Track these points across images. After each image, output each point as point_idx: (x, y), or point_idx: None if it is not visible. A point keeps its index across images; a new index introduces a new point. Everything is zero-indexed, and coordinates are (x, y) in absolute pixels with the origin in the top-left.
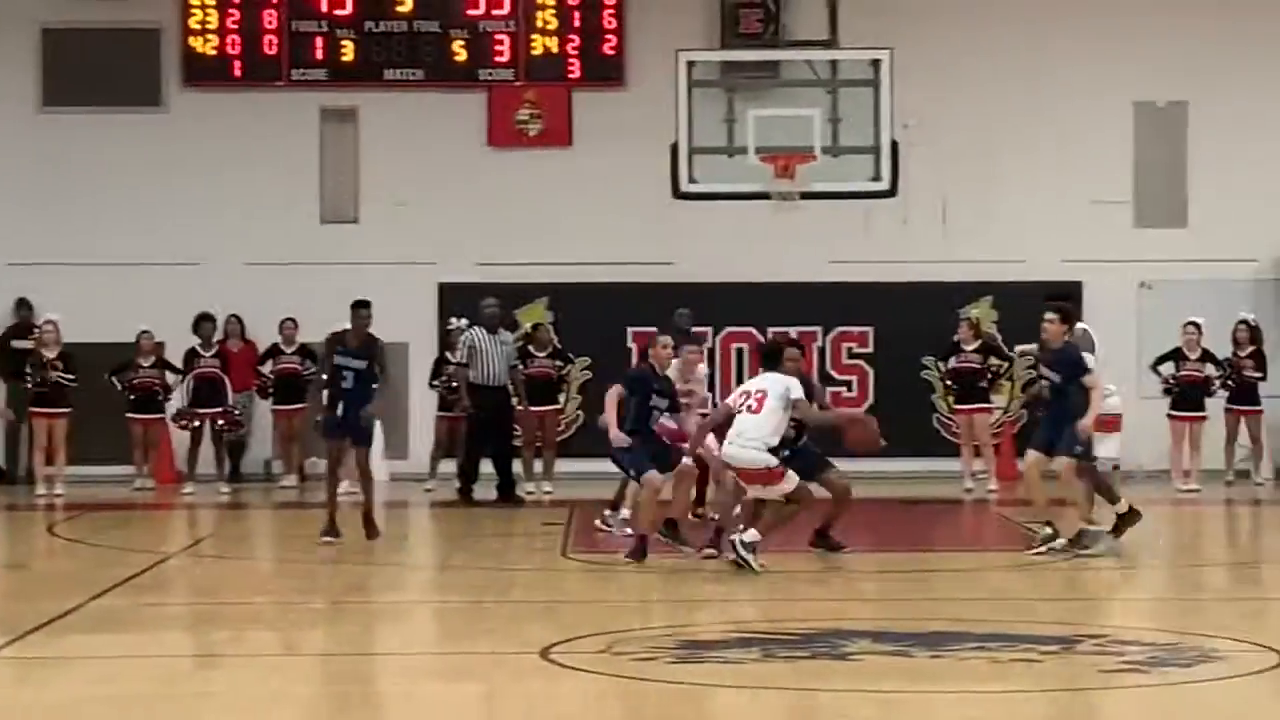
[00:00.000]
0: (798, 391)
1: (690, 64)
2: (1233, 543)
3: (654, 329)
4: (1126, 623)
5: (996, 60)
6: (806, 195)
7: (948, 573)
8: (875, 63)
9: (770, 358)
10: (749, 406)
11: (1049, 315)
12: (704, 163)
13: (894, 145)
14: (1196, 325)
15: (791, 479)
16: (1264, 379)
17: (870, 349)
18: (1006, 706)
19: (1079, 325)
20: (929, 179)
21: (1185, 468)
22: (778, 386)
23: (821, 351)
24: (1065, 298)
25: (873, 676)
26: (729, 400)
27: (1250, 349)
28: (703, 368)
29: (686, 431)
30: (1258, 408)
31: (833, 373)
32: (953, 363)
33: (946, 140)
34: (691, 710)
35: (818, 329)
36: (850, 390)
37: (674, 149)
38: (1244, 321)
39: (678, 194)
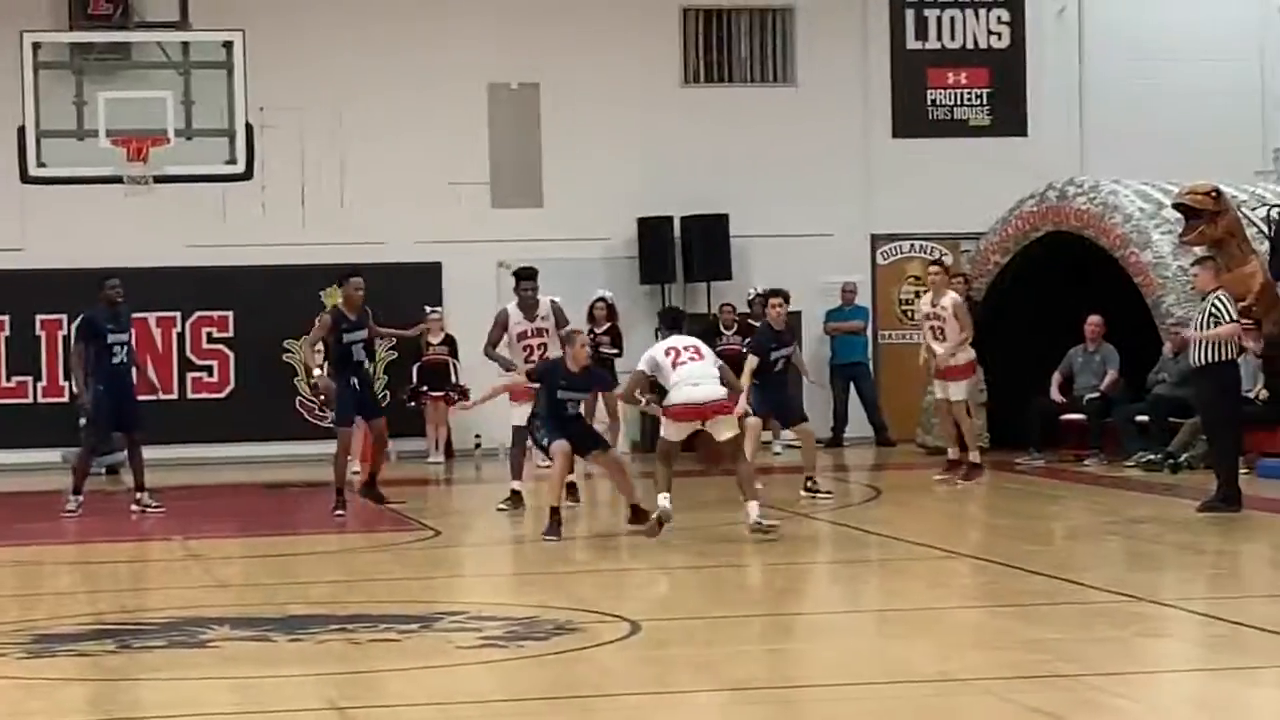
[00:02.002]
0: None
1: (36, 45)
2: (593, 516)
3: (5, 316)
4: (488, 599)
5: (353, 42)
6: (160, 179)
7: (310, 556)
8: (228, 44)
9: (675, 322)
10: (690, 357)
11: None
12: (53, 146)
13: (249, 128)
14: (554, 303)
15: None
16: (620, 354)
17: (231, 333)
18: (365, 686)
19: (550, 299)
20: (286, 162)
21: None
22: (703, 345)
23: (181, 336)
24: (532, 275)
25: (231, 663)
26: (645, 364)
27: (606, 325)
28: None
29: None
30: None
31: (193, 357)
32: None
33: (304, 122)
34: (42, 705)
35: (177, 314)
36: (211, 375)
37: (20, 132)
38: (601, 299)
39: (26, 178)
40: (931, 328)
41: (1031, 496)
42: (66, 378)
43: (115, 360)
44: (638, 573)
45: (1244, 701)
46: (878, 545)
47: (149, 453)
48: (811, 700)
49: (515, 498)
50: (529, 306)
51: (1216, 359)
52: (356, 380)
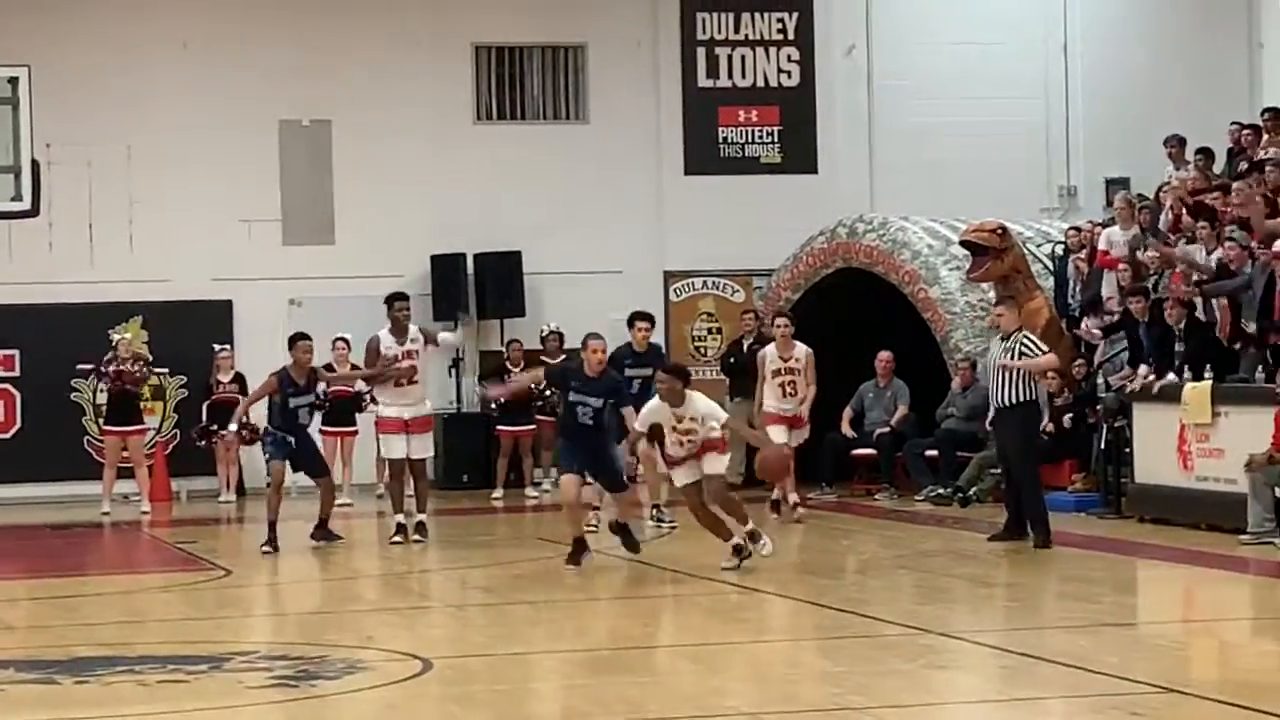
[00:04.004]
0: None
1: None
2: (384, 554)
3: None
4: (279, 638)
5: (142, 77)
6: None
7: (99, 597)
8: (13, 80)
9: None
10: None
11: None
12: None
13: (35, 164)
14: (346, 341)
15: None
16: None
17: (17, 373)
18: None
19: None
20: (74, 199)
21: (336, 482)
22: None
23: None
24: (406, 297)
25: (16, 706)
26: None
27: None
28: None
29: None
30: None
31: None
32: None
33: (92, 159)
34: None
35: None
36: None
37: None
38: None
39: None
40: (782, 383)
41: (823, 531)
42: None
43: None
44: (430, 610)
45: None
46: (672, 581)
47: None
48: None
49: (403, 531)
50: (402, 329)
51: (1021, 399)
52: (294, 439)
